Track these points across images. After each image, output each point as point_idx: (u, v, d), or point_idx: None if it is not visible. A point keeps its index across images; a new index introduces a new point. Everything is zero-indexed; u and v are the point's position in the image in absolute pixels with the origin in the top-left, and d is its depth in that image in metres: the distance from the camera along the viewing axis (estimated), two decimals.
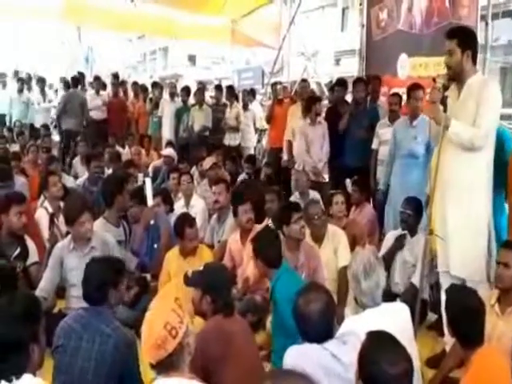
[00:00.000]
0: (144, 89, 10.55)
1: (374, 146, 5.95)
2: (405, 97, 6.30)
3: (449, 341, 3.37)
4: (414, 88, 5.27)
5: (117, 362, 2.61)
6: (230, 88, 9.89)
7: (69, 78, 10.22)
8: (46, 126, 9.92)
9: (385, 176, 5.46)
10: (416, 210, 4.41)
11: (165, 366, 2.02)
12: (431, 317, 4.32)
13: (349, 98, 7.15)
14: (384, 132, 5.83)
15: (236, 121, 9.03)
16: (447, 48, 3.41)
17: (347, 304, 3.98)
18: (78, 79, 10.23)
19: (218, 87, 10.07)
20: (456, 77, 3.46)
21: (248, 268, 4.26)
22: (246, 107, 9.31)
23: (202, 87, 10.32)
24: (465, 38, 3.42)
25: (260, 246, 3.48)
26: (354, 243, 4.51)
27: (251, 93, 10.04)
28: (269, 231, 3.87)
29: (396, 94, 6.14)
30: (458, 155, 3.41)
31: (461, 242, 3.42)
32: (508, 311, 3.04)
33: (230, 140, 9.05)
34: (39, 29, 19.44)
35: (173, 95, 9.54)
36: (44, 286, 3.88)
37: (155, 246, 4.97)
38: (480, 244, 3.45)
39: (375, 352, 1.92)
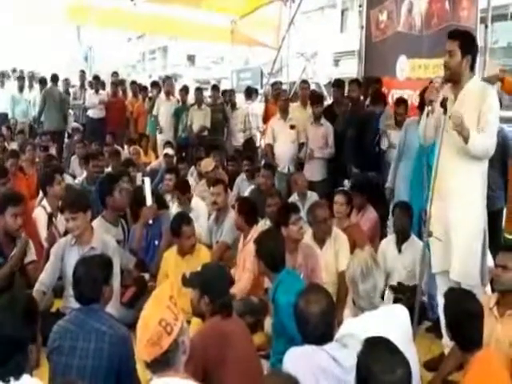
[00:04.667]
0: (143, 88, 10.52)
1: (383, 147, 5.89)
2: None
3: (447, 343, 3.37)
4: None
5: (114, 358, 2.60)
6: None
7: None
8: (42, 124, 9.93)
9: (391, 174, 5.43)
10: (407, 215, 4.46)
11: (160, 364, 2.01)
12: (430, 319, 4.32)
13: None
14: (393, 134, 5.77)
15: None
16: (448, 48, 3.38)
17: (346, 306, 3.97)
18: (57, 76, 10.21)
19: (215, 87, 10.07)
20: (453, 79, 3.44)
21: (243, 275, 4.26)
22: (233, 107, 9.42)
23: (201, 87, 10.36)
24: (467, 42, 3.40)
25: (262, 248, 3.43)
26: (354, 247, 4.50)
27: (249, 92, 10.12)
28: (273, 233, 3.80)
29: (401, 102, 5.97)
30: (458, 162, 3.40)
31: (460, 247, 3.41)
32: (507, 314, 3.03)
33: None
34: (38, 27, 19.37)
35: (168, 94, 9.51)
36: (44, 280, 3.87)
37: (156, 242, 4.98)
38: (477, 248, 3.44)
39: (370, 360, 1.90)
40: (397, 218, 4.54)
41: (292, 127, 6.76)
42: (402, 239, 4.53)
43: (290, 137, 6.77)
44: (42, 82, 10.51)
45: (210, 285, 2.81)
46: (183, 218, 4.36)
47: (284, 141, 6.82)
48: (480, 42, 5.73)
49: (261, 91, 11.80)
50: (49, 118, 9.71)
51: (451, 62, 3.38)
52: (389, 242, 4.62)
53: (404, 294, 4.19)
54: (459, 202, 3.42)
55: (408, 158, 5.18)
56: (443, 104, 3.35)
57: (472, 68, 3.45)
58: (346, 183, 6.03)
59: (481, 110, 3.31)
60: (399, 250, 4.54)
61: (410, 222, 4.50)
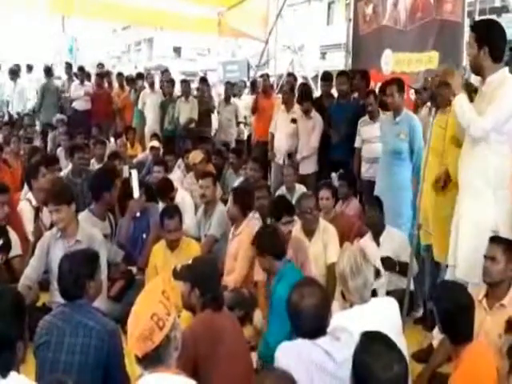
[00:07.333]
0: (131, 80, 10.41)
1: (356, 145, 5.88)
2: None
3: (436, 335, 3.39)
4: (384, 84, 5.31)
5: (101, 353, 2.57)
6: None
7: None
8: (28, 116, 9.79)
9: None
10: (377, 209, 4.49)
11: (151, 359, 1.98)
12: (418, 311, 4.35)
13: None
14: (365, 130, 5.79)
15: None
16: (469, 40, 3.31)
17: (334, 299, 3.97)
18: (51, 69, 10.19)
19: (203, 79, 9.99)
20: (475, 70, 3.35)
21: (236, 265, 4.25)
22: (227, 100, 9.29)
23: (187, 79, 10.27)
24: (484, 34, 3.24)
25: (263, 241, 3.46)
26: (342, 237, 4.50)
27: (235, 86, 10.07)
28: (268, 226, 3.84)
29: (371, 93, 5.92)
30: (470, 155, 3.32)
31: (465, 242, 3.35)
32: (496, 306, 3.04)
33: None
34: (22, 18, 19.13)
35: (152, 85, 9.41)
36: (29, 274, 3.84)
37: (143, 235, 4.93)
38: (482, 245, 3.24)
39: (368, 356, 1.88)
40: (368, 214, 4.56)
41: (293, 121, 6.71)
42: (377, 233, 4.55)
43: (289, 130, 6.72)
44: (14, 72, 10.48)
45: (201, 278, 2.79)
46: (166, 211, 4.31)
47: (284, 132, 6.78)
48: (466, 37, 5.75)
49: (247, 83, 11.78)
50: (44, 113, 9.74)
51: (470, 54, 3.32)
52: (366, 241, 4.63)
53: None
54: (467, 193, 3.35)
55: (384, 153, 5.15)
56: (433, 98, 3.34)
57: (497, 58, 3.25)
58: (334, 176, 6.03)
59: (494, 98, 3.19)
60: (378, 244, 4.56)
61: (382, 214, 4.51)
